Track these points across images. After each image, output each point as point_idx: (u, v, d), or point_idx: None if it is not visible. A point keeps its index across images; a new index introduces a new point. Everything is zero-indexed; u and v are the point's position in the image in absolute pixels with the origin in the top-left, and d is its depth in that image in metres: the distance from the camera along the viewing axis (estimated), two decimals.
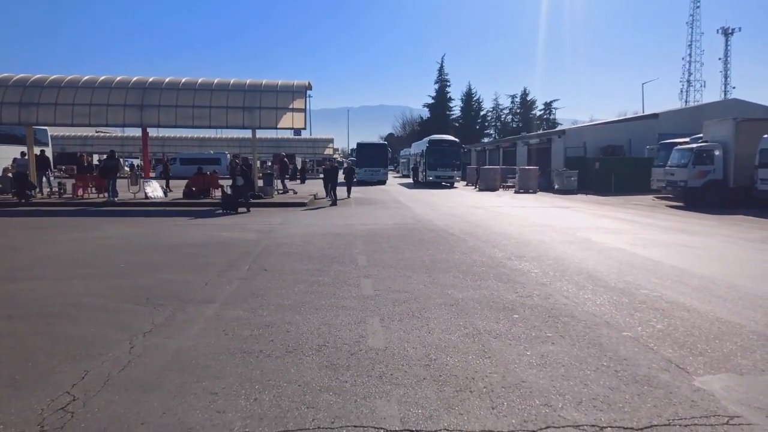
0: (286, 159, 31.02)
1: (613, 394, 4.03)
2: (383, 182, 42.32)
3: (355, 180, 29.56)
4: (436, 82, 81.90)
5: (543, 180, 33.77)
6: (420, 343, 5.11)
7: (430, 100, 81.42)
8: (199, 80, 23.14)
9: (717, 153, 21.18)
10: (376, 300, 6.70)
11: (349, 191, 26.10)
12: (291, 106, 22.55)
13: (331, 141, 65.11)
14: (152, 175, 33.52)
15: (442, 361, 4.68)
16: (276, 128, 24.45)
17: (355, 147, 46.31)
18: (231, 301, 6.63)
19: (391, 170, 60.48)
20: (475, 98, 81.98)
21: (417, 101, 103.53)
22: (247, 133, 32.89)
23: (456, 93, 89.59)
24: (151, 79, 23.03)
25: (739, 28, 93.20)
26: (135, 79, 23.03)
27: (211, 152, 51.68)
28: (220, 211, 18.81)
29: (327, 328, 5.55)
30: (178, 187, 25.70)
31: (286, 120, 22.70)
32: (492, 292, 7.15)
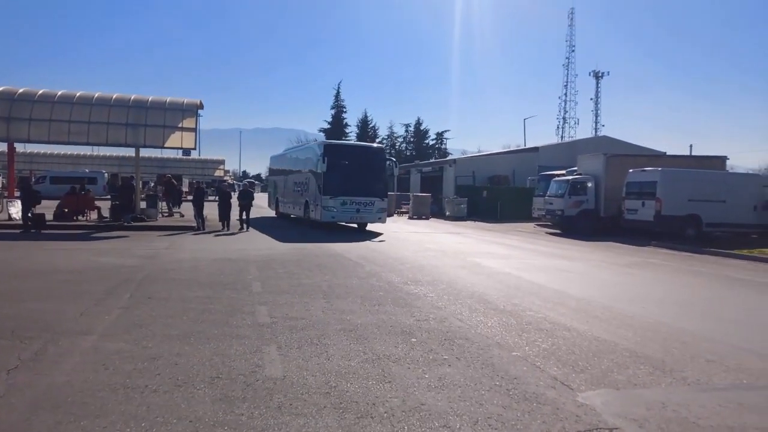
0: (173, 180, 29.39)
1: (506, 413, 4.19)
2: (365, 225, 21.25)
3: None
4: (333, 108, 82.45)
5: (435, 206, 34.97)
6: (319, 371, 5.01)
7: (326, 125, 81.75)
8: (78, 93, 21.46)
9: (590, 185, 23.17)
10: (272, 327, 6.49)
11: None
12: (180, 125, 21.54)
13: (222, 162, 63.12)
14: (17, 194, 30.25)
15: (342, 387, 4.61)
16: (162, 147, 23.22)
17: (320, 154, 20.10)
18: (111, 333, 6.10)
19: None
20: (370, 125, 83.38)
21: (312, 125, 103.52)
22: (128, 152, 30.78)
23: (352, 119, 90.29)
24: (21, 90, 20.99)
25: (608, 72, 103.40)
26: (2, 88, 20.91)
27: (87, 170, 47.92)
28: (21, 231, 17.55)
29: (220, 359, 5.27)
30: (48, 208, 23.42)
31: (175, 139, 21.64)
32: (390, 316, 7.21)
